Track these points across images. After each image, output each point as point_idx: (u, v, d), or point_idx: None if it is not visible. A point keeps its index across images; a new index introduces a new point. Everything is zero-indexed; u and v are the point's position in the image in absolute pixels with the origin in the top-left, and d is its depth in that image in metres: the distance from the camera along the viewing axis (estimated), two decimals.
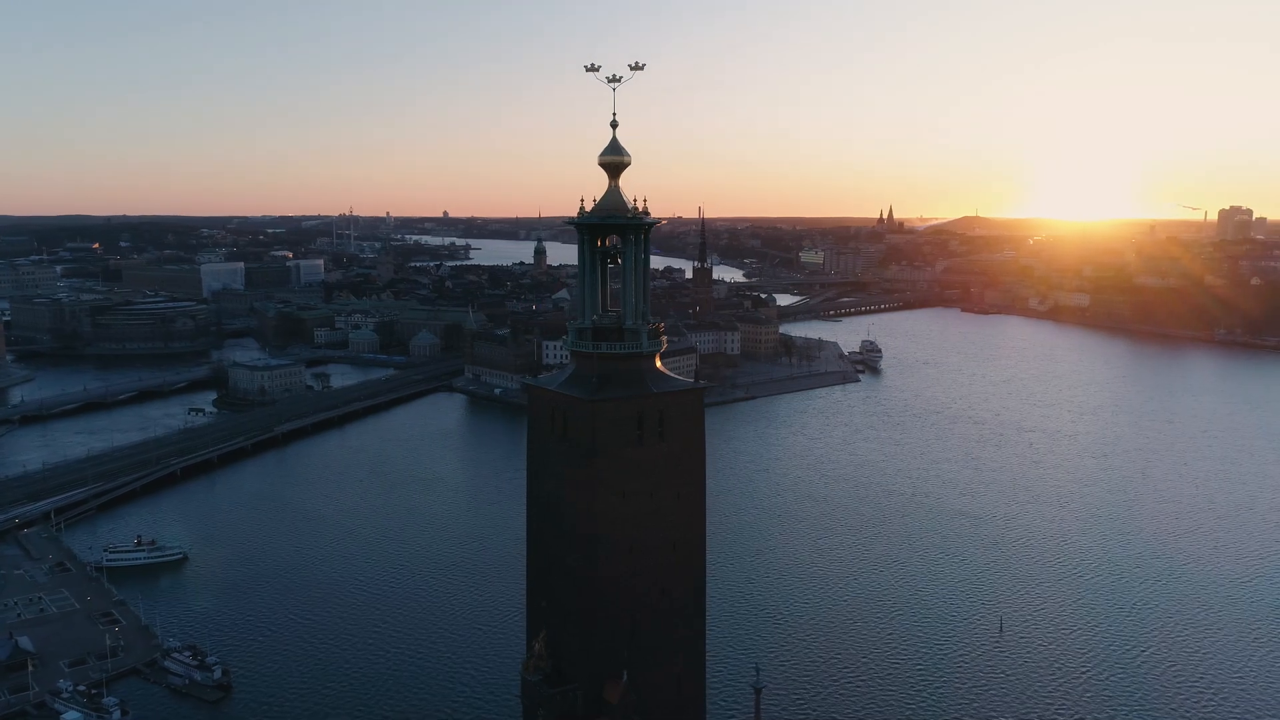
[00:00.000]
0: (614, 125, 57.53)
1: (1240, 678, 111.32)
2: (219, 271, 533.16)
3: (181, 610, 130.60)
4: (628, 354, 56.93)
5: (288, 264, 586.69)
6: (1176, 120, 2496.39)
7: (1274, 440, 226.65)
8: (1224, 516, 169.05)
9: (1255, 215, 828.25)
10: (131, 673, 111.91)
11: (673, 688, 58.57)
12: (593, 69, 57.86)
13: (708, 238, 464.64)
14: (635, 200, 57.83)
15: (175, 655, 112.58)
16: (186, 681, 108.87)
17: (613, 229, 58.24)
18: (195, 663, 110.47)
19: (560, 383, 58.20)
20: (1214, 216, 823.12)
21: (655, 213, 57.80)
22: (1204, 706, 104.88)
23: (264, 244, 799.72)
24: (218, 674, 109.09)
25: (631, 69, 57.73)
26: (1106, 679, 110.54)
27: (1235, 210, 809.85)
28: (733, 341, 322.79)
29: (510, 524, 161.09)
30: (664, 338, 59.69)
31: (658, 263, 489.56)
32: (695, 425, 59.65)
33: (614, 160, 57.70)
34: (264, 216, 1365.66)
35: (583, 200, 58.26)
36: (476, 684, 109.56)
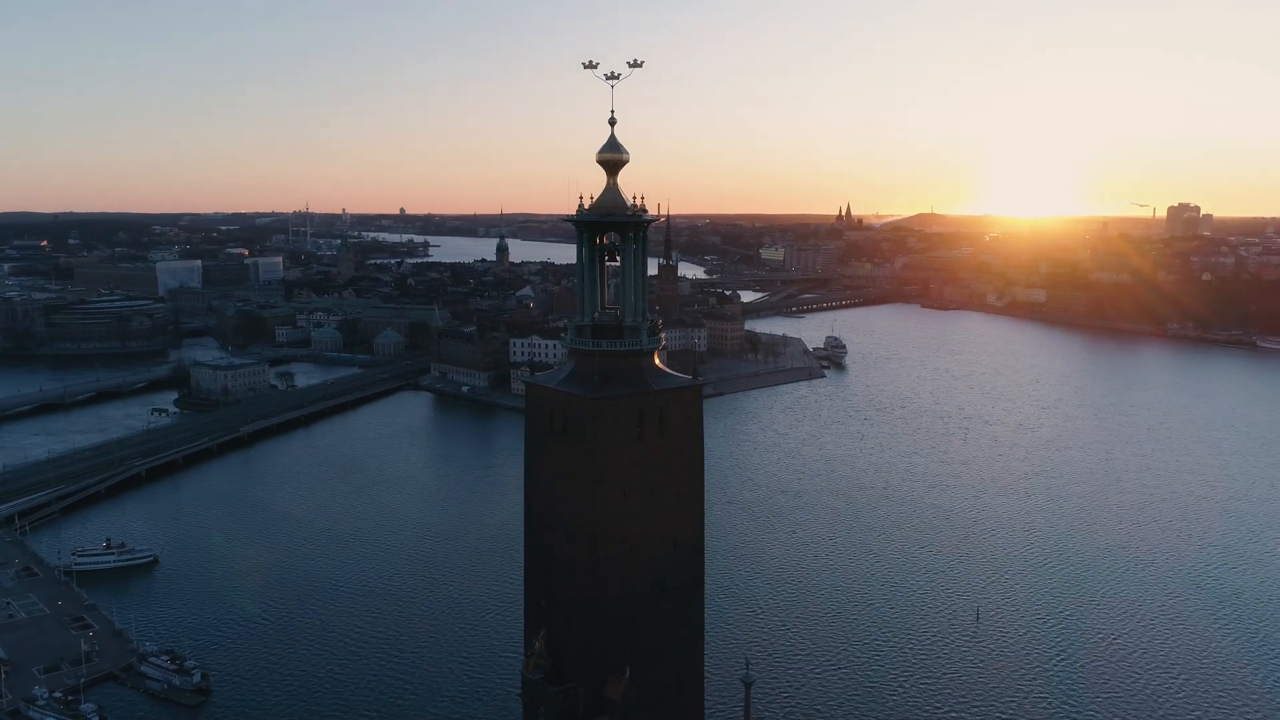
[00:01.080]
0: (612, 123, 57.46)
1: (1204, 661, 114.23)
2: (175, 269, 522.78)
3: (154, 614, 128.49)
4: (628, 351, 57.06)
5: (245, 262, 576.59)
6: (1126, 119, 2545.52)
7: (1227, 432, 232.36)
8: (1184, 506, 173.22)
9: (1203, 212, 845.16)
10: (108, 678, 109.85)
11: (673, 687, 58.75)
12: (590, 66, 57.77)
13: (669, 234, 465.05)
14: (635, 198, 58.04)
15: (152, 660, 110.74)
16: (165, 686, 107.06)
17: (612, 227, 58.38)
18: (173, 667, 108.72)
19: (560, 381, 58.06)
20: (1163, 213, 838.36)
21: None
22: (1171, 689, 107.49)
23: (218, 241, 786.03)
24: (196, 678, 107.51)
25: (630, 66, 57.83)
26: (1079, 665, 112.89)
27: (1184, 207, 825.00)
28: (700, 338, 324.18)
29: (485, 521, 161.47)
30: (662, 335, 60.05)
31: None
32: (694, 422, 60.34)
33: (613, 158, 57.73)
34: (216, 213, 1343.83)
35: (581, 198, 58.07)
36: (462, 682, 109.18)
